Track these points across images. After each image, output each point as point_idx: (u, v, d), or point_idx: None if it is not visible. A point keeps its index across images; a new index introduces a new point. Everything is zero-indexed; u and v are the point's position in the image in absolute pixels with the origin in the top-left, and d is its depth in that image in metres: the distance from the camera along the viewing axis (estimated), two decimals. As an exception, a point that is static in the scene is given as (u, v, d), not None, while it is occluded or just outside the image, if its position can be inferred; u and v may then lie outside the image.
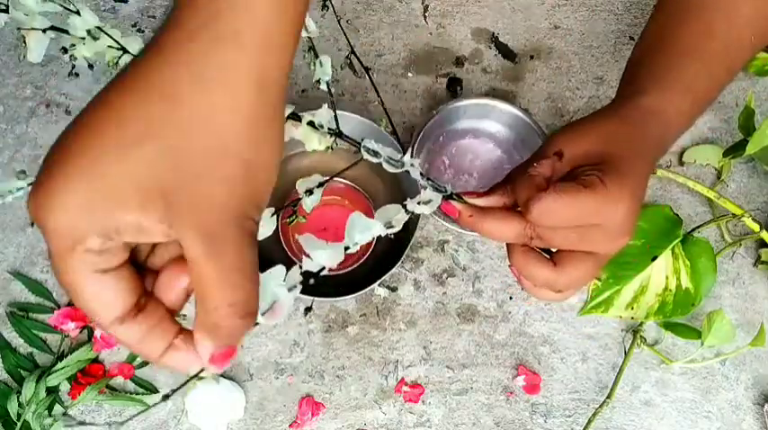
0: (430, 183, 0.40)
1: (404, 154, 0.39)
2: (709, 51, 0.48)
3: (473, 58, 0.80)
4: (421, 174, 0.40)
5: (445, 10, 0.82)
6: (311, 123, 0.38)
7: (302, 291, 0.29)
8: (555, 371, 0.70)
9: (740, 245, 0.74)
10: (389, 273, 0.67)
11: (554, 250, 0.43)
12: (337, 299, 0.70)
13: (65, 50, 0.33)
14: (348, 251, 0.34)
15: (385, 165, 0.39)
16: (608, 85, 0.79)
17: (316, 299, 0.67)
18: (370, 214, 0.69)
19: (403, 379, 0.68)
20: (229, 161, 0.28)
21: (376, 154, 0.38)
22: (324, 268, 0.33)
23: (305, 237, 0.33)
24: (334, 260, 0.33)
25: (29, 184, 0.34)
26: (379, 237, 0.74)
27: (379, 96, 0.39)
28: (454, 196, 0.42)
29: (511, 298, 0.72)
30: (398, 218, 0.36)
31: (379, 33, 0.80)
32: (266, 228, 0.38)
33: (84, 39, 0.32)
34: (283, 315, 0.31)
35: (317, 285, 0.33)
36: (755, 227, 0.70)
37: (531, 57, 0.80)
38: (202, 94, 0.27)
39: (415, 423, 0.67)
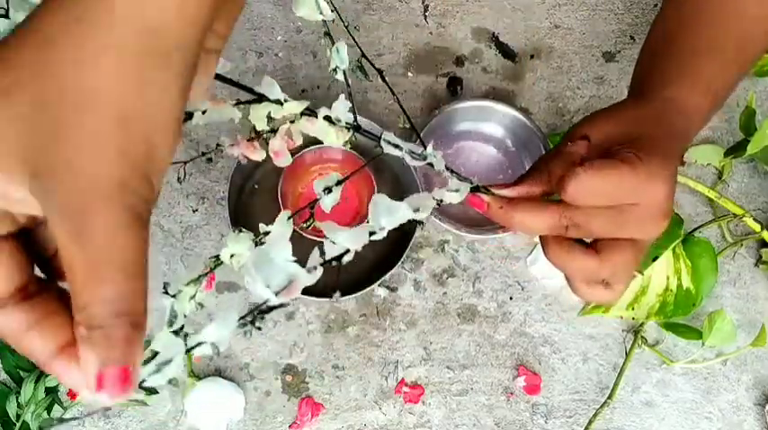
0: (455, 175, 0.39)
1: (425, 147, 0.37)
2: (725, 52, 0.49)
3: (473, 58, 0.79)
4: (446, 166, 0.38)
5: (445, 9, 0.82)
6: (327, 118, 0.35)
7: (303, 292, 0.29)
8: (555, 371, 0.70)
9: (741, 245, 0.74)
10: (389, 273, 0.66)
11: (590, 242, 0.41)
12: (337, 299, 0.70)
13: None
14: (373, 237, 0.32)
15: (407, 159, 0.37)
16: (608, 85, 0.79)
17: (316, 299, 0.67)
18: (370, 184, 0.68)
19: (403, 379, 0.68)
20: (100, 110, 0.22)
21: (397, 146, 0.36)
22: (348, 251, 0.30)
23: (326, 224, 0.31)
24: (359, 242, 0.30)
25: None
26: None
27: (394, 95, 0.37)
28: (481, 188, 0.40)
29: (511, 298, 0.72)
30: (427, 205, 0.35)
31: (378, 33, 0.80)
32: (281, 231, 0.35)
33: None
34: (297, 293, 0.28)
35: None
36: (756, 227, 0.70)
37: (532, 56, 0.80)
38: (75, 35, 0.23)
39: (415, 423, 0.67)
